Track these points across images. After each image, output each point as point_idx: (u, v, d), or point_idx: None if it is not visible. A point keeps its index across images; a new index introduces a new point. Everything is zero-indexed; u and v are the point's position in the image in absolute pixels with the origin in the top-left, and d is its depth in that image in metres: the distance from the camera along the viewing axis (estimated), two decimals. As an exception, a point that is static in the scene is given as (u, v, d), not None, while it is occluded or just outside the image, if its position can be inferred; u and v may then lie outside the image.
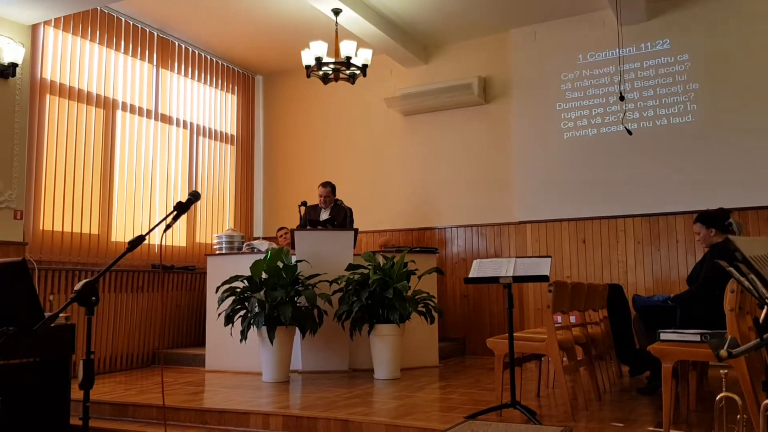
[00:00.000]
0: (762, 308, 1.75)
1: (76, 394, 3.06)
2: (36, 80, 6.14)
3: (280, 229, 7.78)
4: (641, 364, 5.08)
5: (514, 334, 3.99)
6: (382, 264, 5.69)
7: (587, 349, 4.54)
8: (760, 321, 1.71)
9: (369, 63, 6.04)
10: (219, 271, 6.23)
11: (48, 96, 6.24)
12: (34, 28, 6.15)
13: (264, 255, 5.74)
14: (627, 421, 3.70)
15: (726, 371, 2.63)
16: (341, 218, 6.62)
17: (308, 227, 6.36)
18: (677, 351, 3.45)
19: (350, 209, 6.78)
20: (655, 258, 6.62)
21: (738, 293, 3.18)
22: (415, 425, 3.69)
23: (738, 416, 2.48)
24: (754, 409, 3.02)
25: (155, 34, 7.42)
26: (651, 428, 3.52)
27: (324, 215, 6.68)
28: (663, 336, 3.59)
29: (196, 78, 8.01)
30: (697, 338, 3.43)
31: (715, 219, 4.44)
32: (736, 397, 2.52)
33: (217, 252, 6.70)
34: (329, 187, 6.76)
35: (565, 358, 4.13)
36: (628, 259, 6.74)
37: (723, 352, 1.64)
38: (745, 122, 6.33)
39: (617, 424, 3.62)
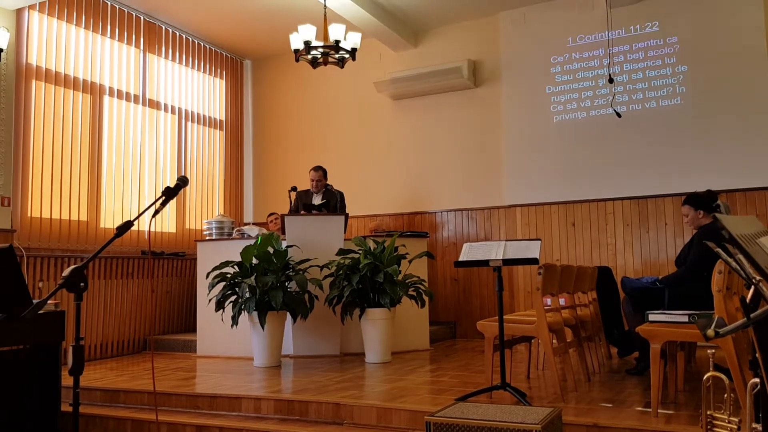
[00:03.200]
0: (749, 288, 1.76)
1: (67, 380, 3.05)
2: (21, 65, 6.07)
3: (271, 214, 7.77)
4: (630, 345, 5.12)
5: (504, 317, 4.01)
6: (372, 248, 5.69)
7: (576, 331, 4.58)
8: (747, 301, 1.73)
9: (358, 47, 6.00)
10: (209, 257, 6.22)
11: (34, 81, 6.17)
12: (19, 12, 6.07)
13: (254, 240, 5.73)
14: (616, 402, 3.73)
15: (713, 351, 2.66)
16: (334, 203, 6.61)
17: (303, 212, 6.35)
18: (665, 332, 3.49)
19: (341, 193, 6.77)
20: (643, 240, 6.66)
21: (725, 274, 3.21)
22: (406, 408, 3.71)
23: (725, 395, 2.51)
24: (741, 388, 3.06)
25: (142, 18, 7.33)
26: (639, 408, 3.55)
27: (316, 200, 6.67)
28: (651, 317, 3.62)
29: (184, 63, 7.94)
30: (685, 319, 3.46)
31: (703, 201, 4.46)
32: (723, 376, 2.54)
33: (207, 238, 6.68)
34: (321, 171, 6.74)
35: (554, 340, 4.16)
36: (617, 241, 6.77)
37: (710, 332, 1.66)
38: (733, 105, 6.35)
39: (606, 405, 3.66)
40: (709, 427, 2.52)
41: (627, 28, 6.89)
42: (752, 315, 1.64)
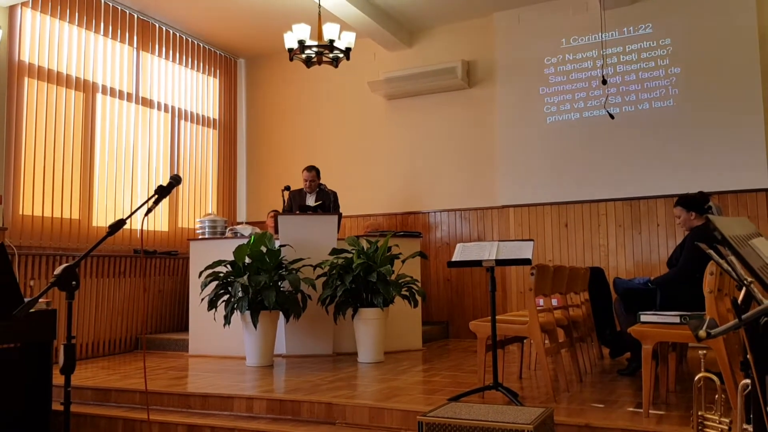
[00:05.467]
0: (740, 290, 1.77)
1: (58, 379, 3.04)
2: (14, 63, 6.04)
3: (272, 212, 7.72)
4: (621, 346, 5.14)
5: (497, 317, 4.02)
6: (365, 248, 5.69)
7: (568, 331, 4.59)
8: (739, 302, 1.74)
9: (352, 46, 5.99)
10: (202, 256, 6.20)
11: (26, 79, 6.14)
12: (11, 9, 6.04)
13: (247, 240, 5.72)
14: (607, 402, 3.75)
15: (705, 352, 2.67)
16: (328, 203, 6.61)
17: (298, 212, 6.34)
18: (657, 333, 3.50)
19: (335, 193, 6.77)
20: (636, 241, 6.68)
21: (717, 275, 3.22)
22: (398, 408, 3.71)
23: (716, 396, 2.52)
24: (732, 389, 3.07)
25: (135, 16, 7.31)
26: (631, 409, 3.57)
27: (310, 200, 6.67)
28: (643, 318, 3.63)
29: (178, 61, 7.92)
30: (677, 320, 3.48)
31: (695, 202, 4.48)
32: (714, 377, 2.56)
33: (200, 237, 6.66)
34: (314, 171, 6.74)
35: (546, 341, 4.17)
36: (609, 242, 6.80)
37: (702, 333, 1.66)
38: (725, 107, 6.38)
39: (598, 405, 3.67)
40: (700, 427, 2.54)
41: (620, 29, 6.92)
42: (744, 316, 1.65)
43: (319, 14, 6.18)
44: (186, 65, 8.05)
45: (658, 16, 6.75)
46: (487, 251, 3.93)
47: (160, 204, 3.09)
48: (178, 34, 7.92)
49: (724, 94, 6.40)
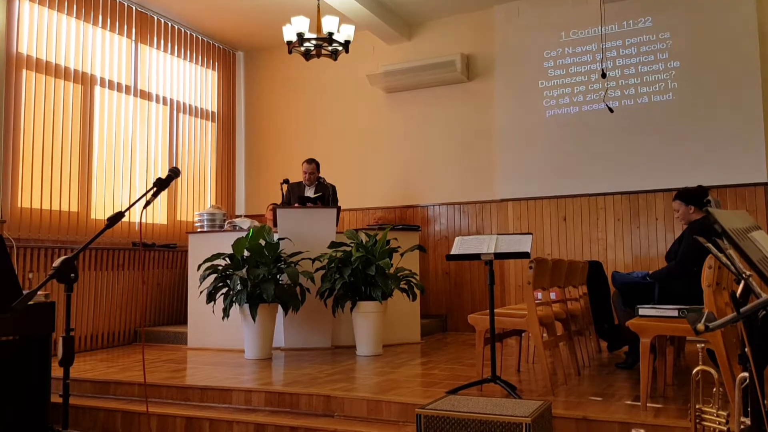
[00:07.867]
0: (739, 283, 1.77)
1: (57, 371, 3.05)
2: (11, 54, 6.02)
3: (271, 205, 7.72)
4: (620, 339, 5.15)
5: (495, 311, 4.02)
6: (364, 242, 5.69)
7: (567, 324, 4.59)
8: (737, 296, 1.74)
9: (351, 39, 5.98)
10: (200, 249, 6.21)
11: (24, 71, 6.11)
12: (9, 1, 6.01)
13: (246, 233, 5.72)
14: (605, 396, 3.75)
15: (703, 345, 2.68)
16: (328, 196, 6.61)
17: (297, 205, 6.34)
18: (655, 326, 3.51)
19: (333, 186, 6.76)
20: (634, 235, 6.69)
21: (715, 269, 3.22)
22: (396, 400, 3.72)
23: (714, 389, 2.53)
24: (730, 383, 3.08)
25: (134, 8, 7.28)
26: (629, 402, 3.57)
27: (309, 192, 6.66)
28: (641, 311, 3.64)
29: (176, 54, 7.89)
30: (675, 313, 3.49)
31: (694, 196, 4.48)
32: (712, 370, 2.56)
33: (199, 230, 6.66)
34: (314, 164, 6.74)
35: (544, 334, 4.17)
36: (608, 236, 6.80)
37: (700, 326, 1.67)
38: (724, 101, 6.37)
39: (596, 399, 3.68)
40: (697, 420, 2.54)
41: (620, 23, 6.90)
42: (742, 310, 1.65)
43: (318, 7, 6.17)
44: (184, 58, 8.02)
45: (658, 10, 6.74)
46: (486, 245, 3.93)
47: (159, 197, 3.09)
48: (176, 27, 7.89)
49: (723, 88, 6.39)
